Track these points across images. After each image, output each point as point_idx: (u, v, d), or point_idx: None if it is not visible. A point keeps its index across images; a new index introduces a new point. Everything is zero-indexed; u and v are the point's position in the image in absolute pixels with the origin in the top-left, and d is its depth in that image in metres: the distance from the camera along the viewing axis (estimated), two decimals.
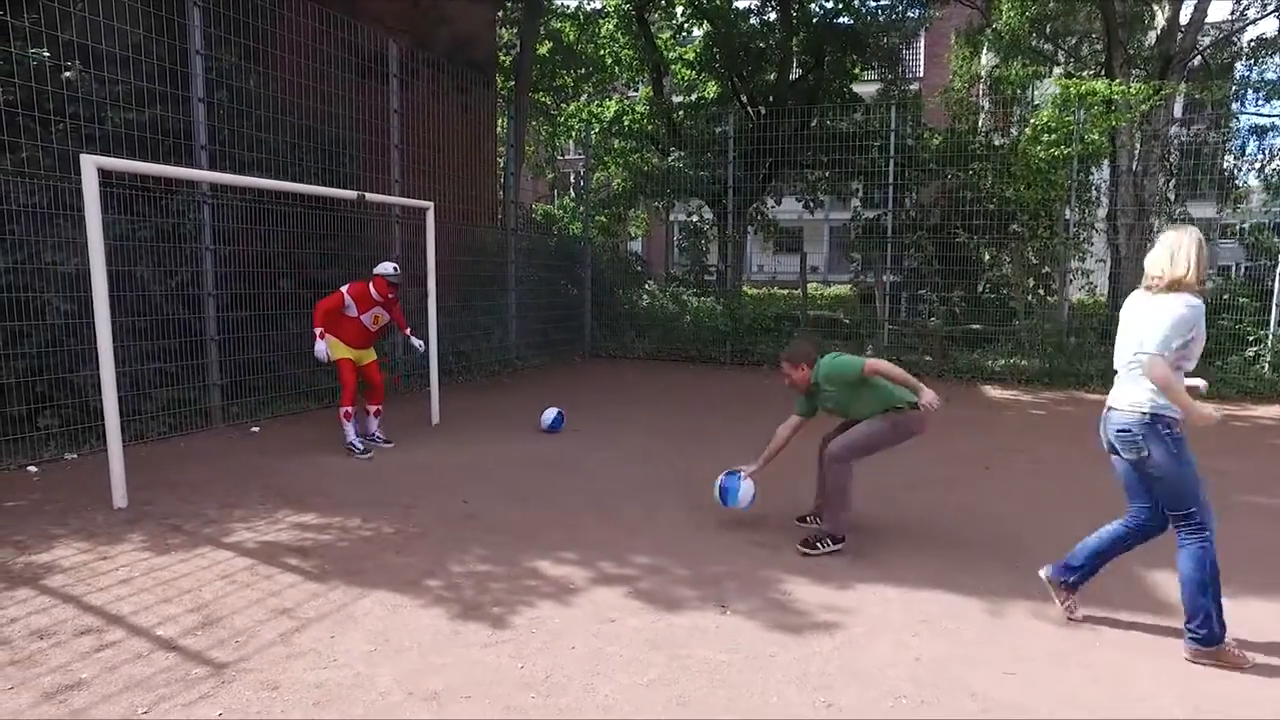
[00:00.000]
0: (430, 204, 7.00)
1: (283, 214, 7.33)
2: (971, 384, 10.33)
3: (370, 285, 5.96)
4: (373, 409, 6.28)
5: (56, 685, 2.66)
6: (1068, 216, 10.91)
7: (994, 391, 9.81)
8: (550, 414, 6.87)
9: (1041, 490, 5.36)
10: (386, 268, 5.98)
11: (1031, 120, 11.12)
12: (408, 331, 6.42)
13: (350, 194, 6.26)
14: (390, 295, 5.98)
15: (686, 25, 18.21)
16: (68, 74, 5.66)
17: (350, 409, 5.99)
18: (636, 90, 19.52)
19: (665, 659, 2.95)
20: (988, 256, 11.93)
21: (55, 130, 5.56)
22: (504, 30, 16.47)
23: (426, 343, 6.74)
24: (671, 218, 18.27)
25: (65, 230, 5.67)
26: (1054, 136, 10.28)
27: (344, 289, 5.91)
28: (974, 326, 11.59)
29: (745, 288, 15.57)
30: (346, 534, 4.22)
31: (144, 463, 5.49)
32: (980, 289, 12.20)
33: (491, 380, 9.96)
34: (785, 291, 19.61)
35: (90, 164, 4.38)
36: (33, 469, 5.33)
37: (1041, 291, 11.23)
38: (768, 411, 7.85)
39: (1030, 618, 3.35)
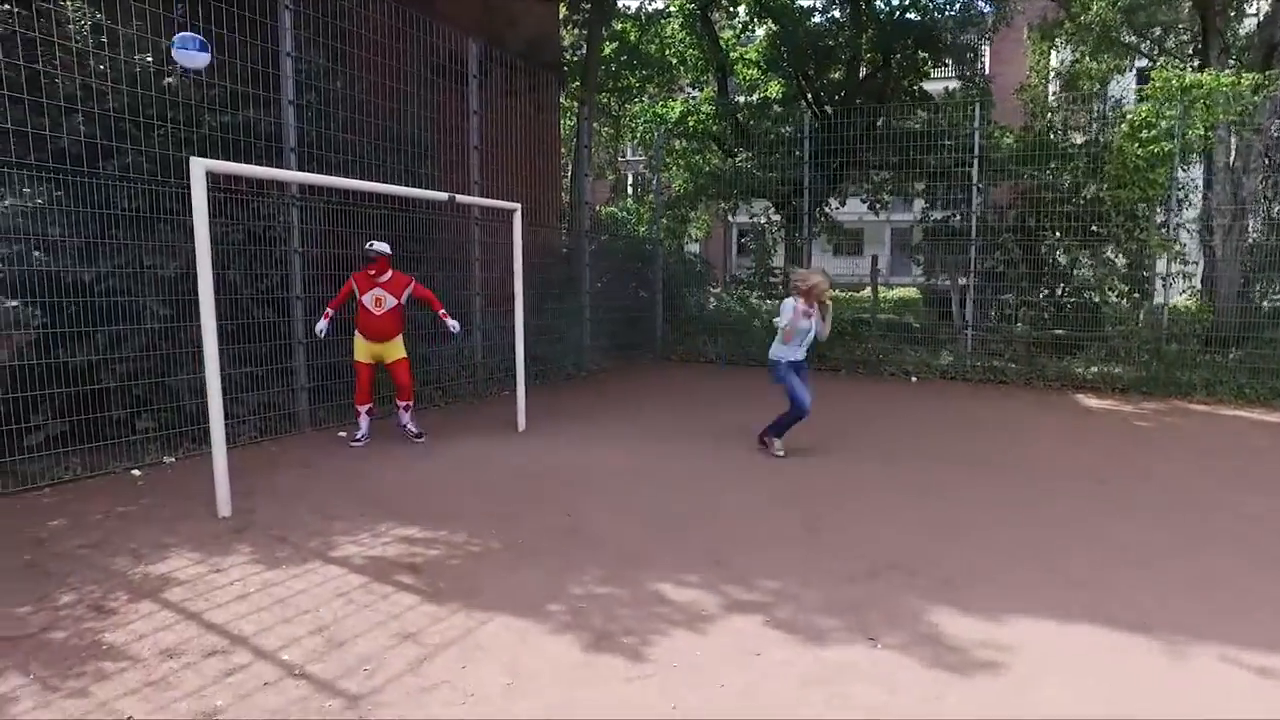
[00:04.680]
0: (518, 206, 6.86)
1: (365, 217, 7.28)
2: (1063, 392, 9.84)
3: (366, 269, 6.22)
4: (401, 404, 6.46)
5: (194, 711, 2.54)
6: (1158, 217, 10.36)
7: (1090, 400, 9.32)
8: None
9: (1166, 508, 4.96)
10: (370, 244, 6.18)
11: (1128, 116, 10.54)
12: (442, 312, 6.46)
13: (442, 196, 6.17)
14: (372, 271, 6.11)
15: (750, 24, 17.92)
16: (169, 79, 5.66)
17: (359, 407, 6.34)
18: (698, 90, 19.29)
19: (823, 699, 2.72)
20: (1064, 259, 11.39)
21: (157, 135, 5.56)
22: (567, 31, 16.39)
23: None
24: (732, 219, 18.02)
25: (164, 234, 5.68)
26: (1153, 133, 9.72)
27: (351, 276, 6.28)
28: (1057, 331, 11.08)
29: None
30: (455, 549, 4.07)
31: (239, 468, 5.41)
32: (1060, 292, 11.65)
33: (566, 384, 9.82)
34: (847, 294, 19.16)
35: (199, 167, 4.31)
36: (136, 472, 5.33)
37: (1137, 295, 10.65)
38: (861, 416, 7.57)
39: (1217, 661, 3.03)
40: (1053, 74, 19.34)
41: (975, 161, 10.92)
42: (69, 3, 5.53)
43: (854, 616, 3.36)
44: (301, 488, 5.15)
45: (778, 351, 6.15)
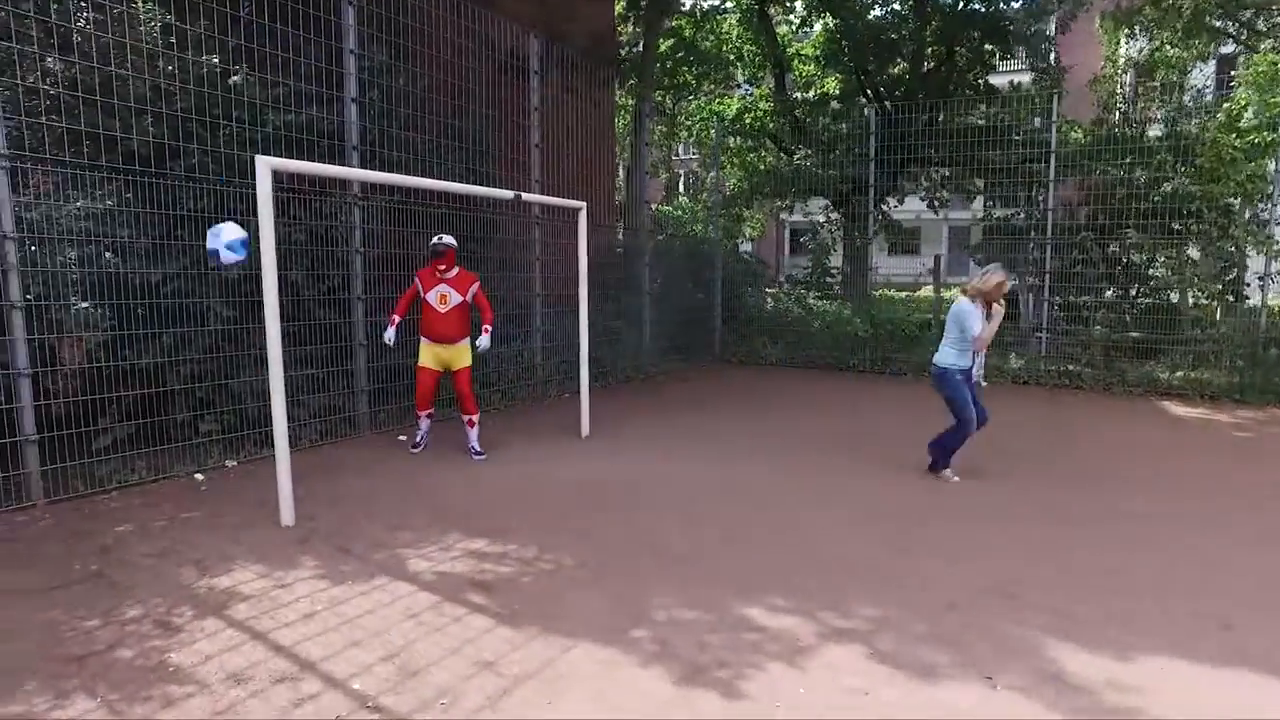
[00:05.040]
0: (583, 205, 6.66)
1: (426, 215, 7.16)
2: (1145, 398, 9.28)
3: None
4: (464, 419, 6.13)
5: None
6: (1248, 213, 9.70)
7: (1177, 408, 8.75)
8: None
9: None
10: (439, 237, 5.93)
11: (1225, 105, 9.88)
12: (486, 327, 6.07)
13: (507, 194, 5.99)
14: (441, 266, 5.85)
15: (809, 19, 17.48)
16: (235, 78, 5.59)
17: (420, 413, 6.11)
18: (752, 87, 18.92)
19: None
20: (1138, 258, 10.75)
21: (222, 135, 5.50)
22: (622, 28, 16.19)
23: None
24: (784, 218, 17.61)
25: None
26: (1255, 121, 9.08)
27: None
28: (1134, 334, 10.47)
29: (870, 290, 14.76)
30: (527, 566, 3.87)
31: (299, 473, 5.28)
32: (1136, 293, 11.01)
33: (626, 386, 9.61)
34: (904, 294, 18.60)
35: (265, 165, 4.20)
36: (199, 477, 5.26)
37: (1230, 297, 9.99)
38: (936, 423, 7.19)
39: None
40: (1124, 62, 18.44)
41: (1050, 157, 10.38)
42: (140, 4, 5.51)
43: (962, 650, 3.06)
44: (363, 495, 5.02)
45: (950, 359, 5.34)
